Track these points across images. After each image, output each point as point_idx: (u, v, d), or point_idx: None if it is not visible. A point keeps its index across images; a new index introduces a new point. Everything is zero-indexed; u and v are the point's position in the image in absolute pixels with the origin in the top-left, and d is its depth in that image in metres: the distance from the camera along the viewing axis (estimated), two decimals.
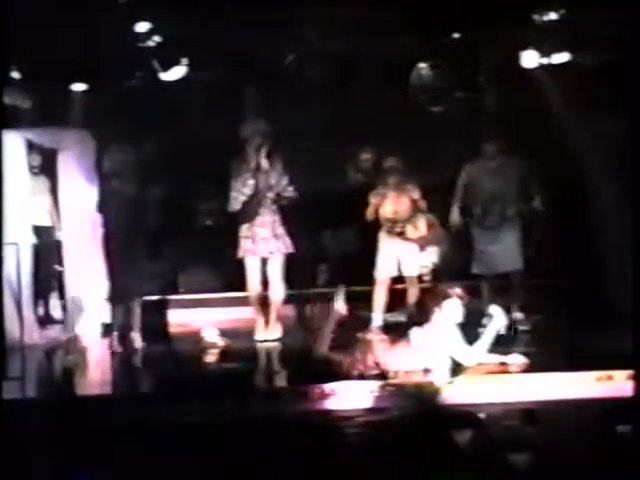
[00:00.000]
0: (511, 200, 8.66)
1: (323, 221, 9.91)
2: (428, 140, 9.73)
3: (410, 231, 8.70)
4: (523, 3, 8.71)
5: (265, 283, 8.51)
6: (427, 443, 4.78)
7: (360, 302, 8.77)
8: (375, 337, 7.02)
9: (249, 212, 8.38)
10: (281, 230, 8.41)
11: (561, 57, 9.09)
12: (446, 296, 6.87)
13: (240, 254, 8.45)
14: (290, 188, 8.37)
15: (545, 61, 9.12)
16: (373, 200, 8.76)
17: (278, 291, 8.46)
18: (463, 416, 5.55)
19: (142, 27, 8.81)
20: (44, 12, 7.99)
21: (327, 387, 6.35)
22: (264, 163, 8.30)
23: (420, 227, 8.74)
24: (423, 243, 8.74)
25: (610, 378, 6.37)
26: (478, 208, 8.74)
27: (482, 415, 5.75)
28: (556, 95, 9.20)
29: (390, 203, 8.71)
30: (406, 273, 8.74)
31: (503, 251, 8.63)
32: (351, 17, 8.66)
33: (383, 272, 8.72)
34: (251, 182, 8.32)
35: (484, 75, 9.80)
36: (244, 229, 8.40)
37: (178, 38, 8.99)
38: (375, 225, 8.76)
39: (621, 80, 7.62)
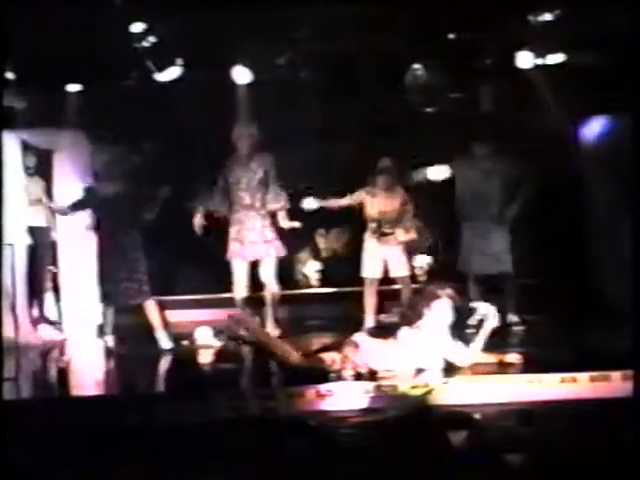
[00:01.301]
0: (502, 202, 8.63)
1: (315, 221, 9.90)
2: (423, 141, 9.71)
3: (400, 234, 8.66)
4: (520, 3, 8.72)
5: (253, 286, 8.51)
6: (422, 444, 4.76)
7: (355, 303, 8.80)
8: (368, 338, 7.01)
9: (239, 215, 8.38)
10: (271, 235, 8.40)
11: (557, 57, 9.09)
12: (436, 297, 6.86)
13: (228, 256, 8.45)
14: (281, 198, 8.37)
15: (541, 61, 9.13)
16: (358, 196, 8.70)
17: (272, 292, 8.45)
18: (458, 417, 5.53)
19: (137, 28, 8.81)
20: (39, 13, 7.98)
21: (322, 388, 6.35)
22: (255, 169, 8.32)
23: (410, 230, 8.70)
24: (412, 246, 8.72)
25: (606, 378, 6.36)
26: (469, 209, 8.72)
27: (477, 416, 5.74)
28: (552, 95, 9.21)
29: (378, 203, 8.67)
30: (395, 274, 8.72)
31: (492, 253, 8.61)
32: (348, 17, 8.67)
33: (369, 273, 8.70)
34: (242, 187, 8.33)
35: (480, 75, 9.80)
36: (233, 232, 8.41)
37: (173, 39, 8.99)
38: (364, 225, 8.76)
39: (618, 80, 7.63)
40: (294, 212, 8.65)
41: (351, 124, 9.93)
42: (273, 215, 8.48)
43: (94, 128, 9.21)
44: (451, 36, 9.04)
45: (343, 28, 8.80)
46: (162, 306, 8.33)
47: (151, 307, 8.21)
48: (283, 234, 8.57)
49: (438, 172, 8.73)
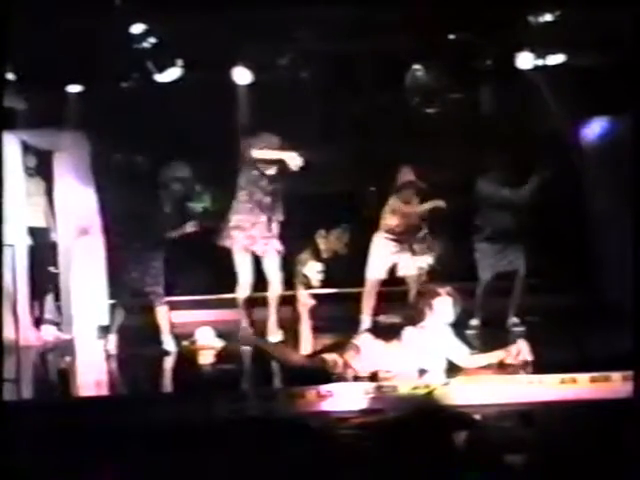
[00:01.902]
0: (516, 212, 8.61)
1: (318, 221, 9.88)
2: (423, 143, 9.71)
3: (413, 245, 8.60)
4: (521, 4, 8.72)
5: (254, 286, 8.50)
6: (423, 445, 4.77)
7: (356, 304, 8.80)
8: (370, 340, 7.01)
9: (243, 205, 8.34)
10: (270, 233, 8.35)
11: (558, 58, 9.10)
12: (436, 295, 6.86)
13: (226, 243, 8.38)
14: (280, 212, 8.36)
15: (542, 62, 9.14)
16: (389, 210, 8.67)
17: (276, 291, 8.43)
18: (459, 417, 5.54)
19: (138, 29, 8.81)
20: (40, 14, 7.99)
21: (323, 389, 6.35)
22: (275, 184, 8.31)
23: (420, 239, 8.65)
24: (419, 251, 8.69)
25: (607, 379, 6.37)
26: (486, 222, 8.68)
27: (478, 416, 5.75)
28: (553, 96, 9.22)
29: (398, 215, 8.61)
30: (404, 273, 8.66)
31: (507, 257, 8.60)
32: (347, 18, 8.67)
33: (374, 274, 8.66)
34: (258, 181, 8.31)
35: (480, 77, 9.80)
36: (234, 220, 8.36)
37: (174, 40, 8.99)
38: (370, 226, 8.73)
39: (619, 81, 7.63)
40: (295, 212, 8.64)
41: (352, 126, 9.94)
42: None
43: (95, 129, 9.21)
44: (452, 37, 9.04)
45: (344, 29, 8.80)
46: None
47: (163, 312, 8.19)
48: (283, 234, 8.55)
49: None
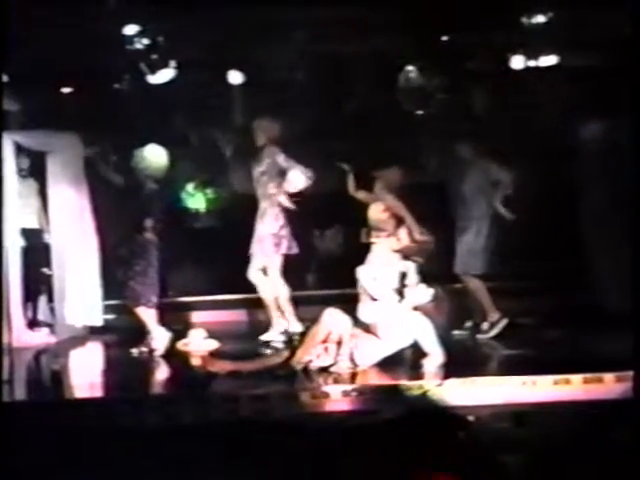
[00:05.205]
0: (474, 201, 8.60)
1: (314, 222, 9.91)
2: (416, 142, 9.73)
3: (393, 242, 8.59)
4: (515, 5, 8.75)
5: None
6: (417, 446, 4.77)
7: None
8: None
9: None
10: (284, 232, 8.36)
11: (556, 59, 9.12)
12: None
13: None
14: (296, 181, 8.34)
15: (535, 64, 9.16)
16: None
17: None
18: (452, 418, 5.54)
19: (131, 30, 8.82)
20: (34, 16, 7.99)
21: (319, 390, 6.36)
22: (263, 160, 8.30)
23: (402, 238, 8.64)
24: (406, 252, 8.69)
25: (600, 380, 6.38)
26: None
27: (471, 417, 5.75)
28: (546, 97, 9.24)
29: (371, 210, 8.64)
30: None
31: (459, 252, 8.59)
32: (344, 19, 8.69)
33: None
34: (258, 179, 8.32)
35: (475, 78, 9.82)
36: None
37: (167, 41, 9.00)
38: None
39: (618, 81, 7.65)
40: (290, 213, 8.64)
41: (346, 126, 9.95)
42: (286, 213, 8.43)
43: (88, 130, 9.21)
44: (447, 38, 9.07)
45: (340, 30, 8.82)
46: (161, 308, 8.32)
47: (146, 313, 8.17)
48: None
49: None
